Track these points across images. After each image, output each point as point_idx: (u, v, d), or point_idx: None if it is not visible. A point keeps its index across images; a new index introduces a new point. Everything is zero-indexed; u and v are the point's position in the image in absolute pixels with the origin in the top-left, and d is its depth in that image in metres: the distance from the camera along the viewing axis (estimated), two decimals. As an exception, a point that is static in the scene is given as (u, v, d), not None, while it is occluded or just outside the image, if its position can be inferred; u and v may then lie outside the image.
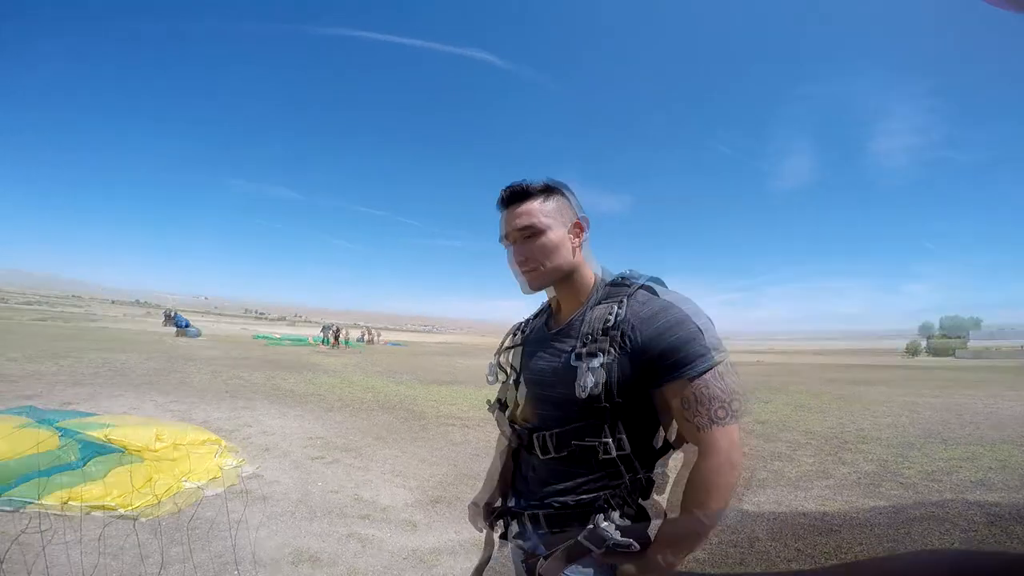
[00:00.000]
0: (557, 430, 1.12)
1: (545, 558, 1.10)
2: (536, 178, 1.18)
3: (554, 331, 1.23)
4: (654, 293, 1.11)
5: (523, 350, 1.32)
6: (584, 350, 1.07)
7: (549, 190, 1.19)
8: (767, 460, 5.38)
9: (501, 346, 1.41)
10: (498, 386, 1.40)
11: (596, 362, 1.04)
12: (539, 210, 1.16)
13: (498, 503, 1.32)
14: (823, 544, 3.16)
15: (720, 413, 0.99)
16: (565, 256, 1.17)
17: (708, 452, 1.00)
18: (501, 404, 1.35)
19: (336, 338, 29.66)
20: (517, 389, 1.29)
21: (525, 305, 1.38)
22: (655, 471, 1.09)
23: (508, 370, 1.36)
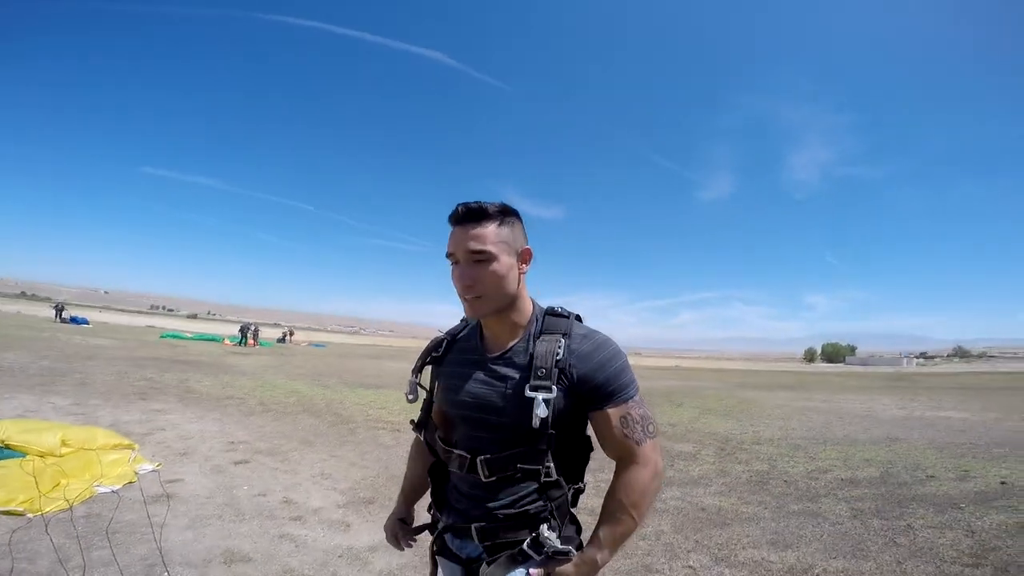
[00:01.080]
0: (502, 454, 1.14)
1: (488, 564, 1.15)
2: (485, 197, 1.16)
3: (493, 356, 1.22)
4: (587, 327, 1.22)
5: (451, 370, 1.30)
6: (540, 383, 1.11)
7: (504, 214, 1.16)
8: (674, 459, 5.89)
9: (422, 362, 1.37)
10: (418, 404, 1.38)
11: (549, 395, 1.09)
12: (494, 235, 1.13)
13: (429, 521, 1.34)
14: (717, 536, 3.56)
15: (650, 429, 1.15)
16: (510, 285, 1.16)
17: (645, 462, 1.13)
18: (424, 423, 1.35)
19: (254, 338, 28.39)
20: (444, 408, 1.29)
21: (458, 309, 1.25)
22: (583, 482, 1.23)
23: (427, 387, 1.36)
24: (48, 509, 3.12)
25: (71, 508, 3.18)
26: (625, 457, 1.14)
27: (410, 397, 1.34)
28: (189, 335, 29.43)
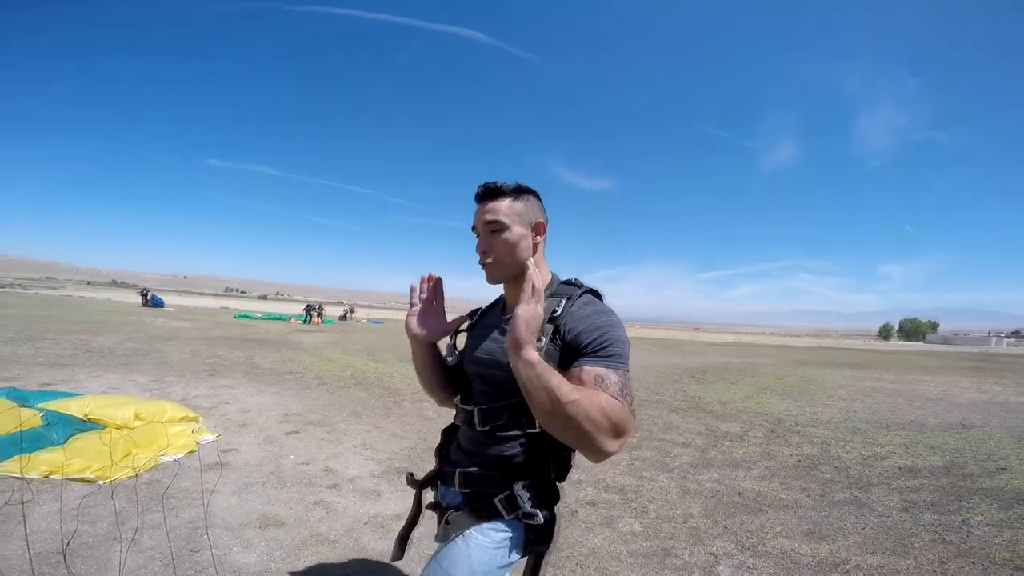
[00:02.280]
0: (495, 404, 1.24)
1: (457, 509, 1.24)
2: (513, 178, 1.29)
3: (506, 317, 1.34)
4: (598, 299, 1.28)
5: (475, 332, 1.42)
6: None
7: (519, 192, 1.29)
8: (719, 440, 5.69)
9: (455, 328, 1.48)
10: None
11: (538, 344, 1.14)
12: (507, 208, 1.26)
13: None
14: (748, 523, 3.39)
15: (627, 396, 1.09)
16: (523, 253, 1.27)
17: (618, 407, 1.05)
18: (458, 381, 1.44)
19: (319, 315, 29.91)
20: (465, 366, 1.41)
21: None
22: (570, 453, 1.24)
23: (455, 349, 1.48)
24: (117, 476, 3.44)
25: (136, 476, 3.50)
26: None
27: (449, 360, 1.46)
28: (259, 315, 31.11)
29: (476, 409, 1.28)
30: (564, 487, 1.27)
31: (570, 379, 1.09)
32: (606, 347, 1.14)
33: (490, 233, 1.27)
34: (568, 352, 1.16)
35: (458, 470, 1.29)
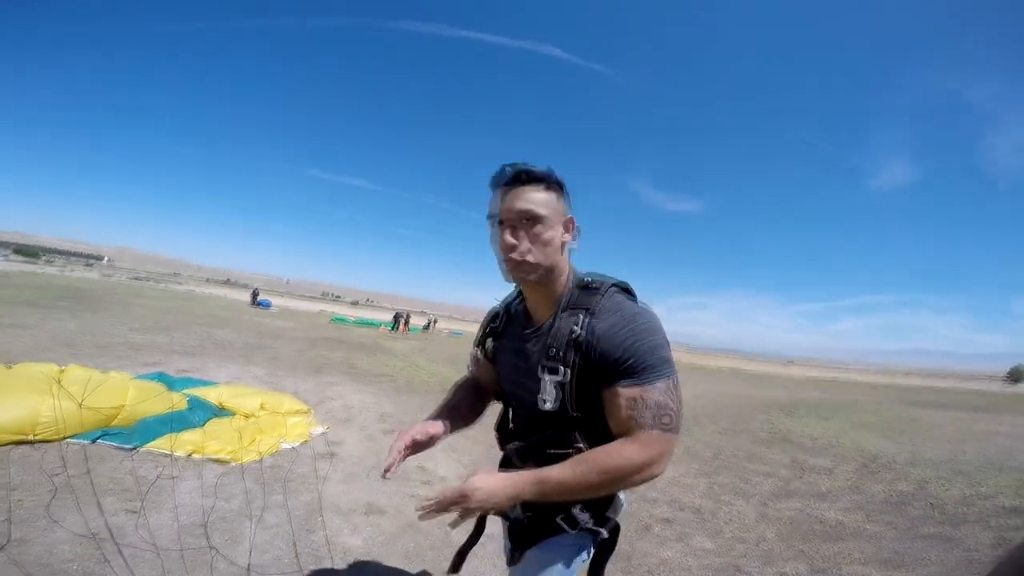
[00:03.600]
0: (531, 439, 1.21)
1: (526, 527, 1.26)
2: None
3: (528, 331, 1.22)
4: (626, 297, 1.13)
5: (504, 344, 1.32)
6: (550, 364, 1.10)
7: (554, 182, 1.12)
8: (805, 472, 5.53)
9: (482, 335, 1.39)
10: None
11: (558, 377, 1.09)
12: (543, 198, 1.10)
13: None
14: (825, 550, 3.40)
15: (666, 420, 1.03)
16: (555, 253, 1.12)
17: (641, 446, 1.02)
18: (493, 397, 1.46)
19: (405, 324, 31.34)
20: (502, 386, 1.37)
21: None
22: None
23: (490, 358, 1.39)
24: (245, 459, 3.91)
25: (261, 460, 3.97)
26: (623, 435, 1.07)
27: (472, 370, 1.46)
28: (352, 320, 33.02)
29: (510, 447, 1.30)
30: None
31: (606, 401, 1.08)
32: (640, 362, 1.03)
33: (523, 223, 1.09)
34: (600, 371, 1.06)
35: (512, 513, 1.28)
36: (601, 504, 1.21)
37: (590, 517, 1.19)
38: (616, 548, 1.25)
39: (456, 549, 1.46)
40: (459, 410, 1.43)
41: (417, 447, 1.31)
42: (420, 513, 1.10)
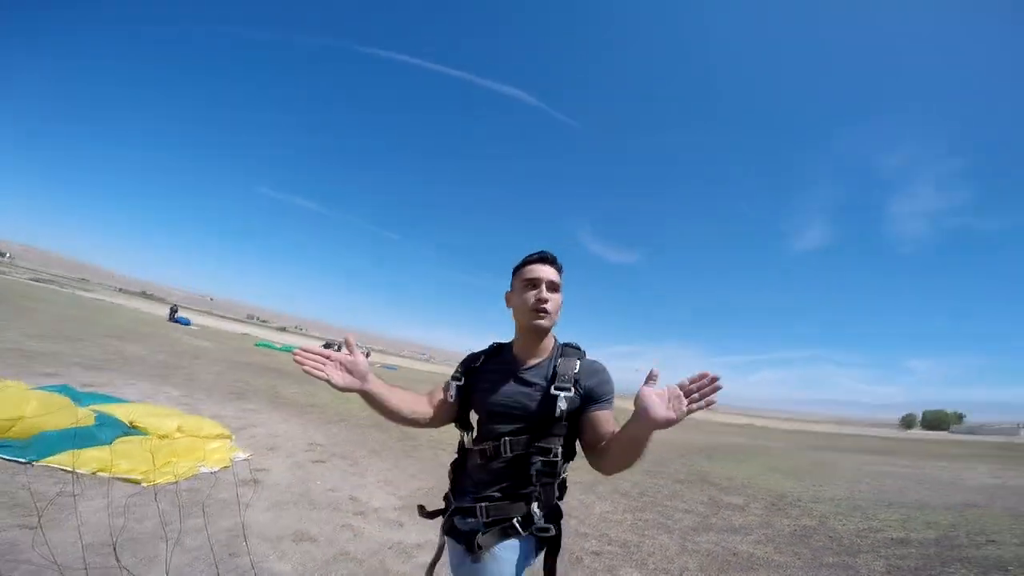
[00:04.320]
0: (522, 437, 1.47)
1: (483, 533, 1.42)
2: (539, 242, 1.63)
3: (522, 367, 1.58)
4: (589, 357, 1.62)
5: (486, 376, 1.63)
6: (562, 386, 1.47)
7: (562, 271, 1.61)
8: (720, 509, 5.91)
9: (463, 369, 1.70)
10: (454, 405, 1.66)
11: (569, 394, 1.46)
12: (558, 277, 1.58)
13: (443, 506, 1.62)
14: None
15: None
16: (558, 316, 1.58)
17: None
18: (463, 421, 1.67)
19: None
20: (477, 408, 1.62)
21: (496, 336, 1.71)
22: (565, 476, 1.52)
23: (461, 394, 1.66)
24: (159, 481, 3.70)
25: (177, 482, 3.77)
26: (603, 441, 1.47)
27: (450, 396, 1.66)
28: (279, 346, 31.61)
29: (505, 440, 1.48)
30: (569, 534, 1.59)
31: (595, 418, 1.47)
32: (608, 396, 1.52)
33: (550, 289, 1.55)
34: (585, 399, 1.48)
35: (479, 504, 1.47)
36: (552, 506, 1.49)
37: (542, 517, 1.44)
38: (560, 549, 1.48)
39: (427, 565, 1.66)
40: (394, 388, 1.61)
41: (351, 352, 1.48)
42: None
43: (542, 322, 1.54)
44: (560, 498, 1.54)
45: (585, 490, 6.10)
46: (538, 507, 1.44)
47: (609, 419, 1.48)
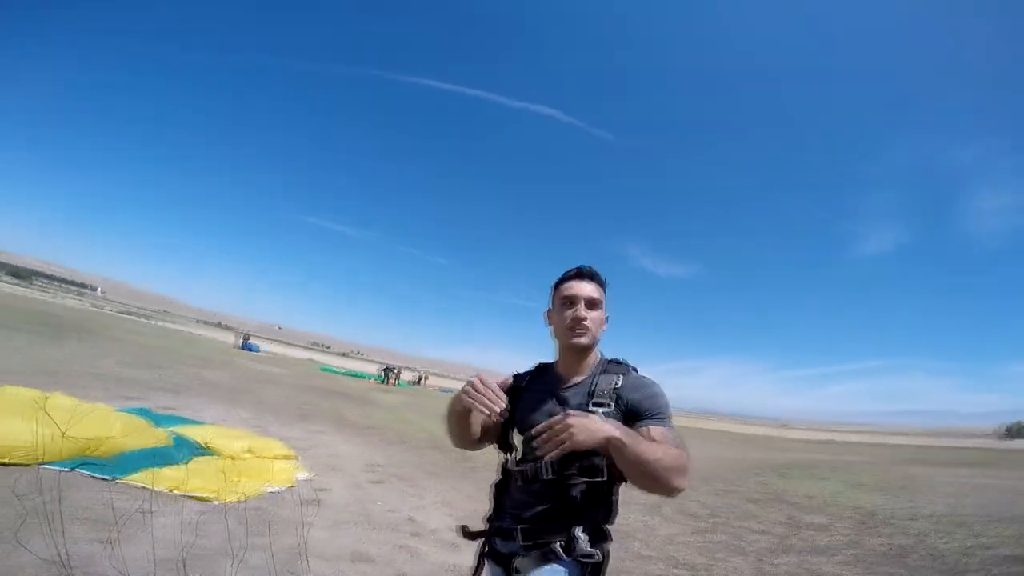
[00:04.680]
0: (560, 460, 1.33)
1: (521, 556, 1.35)
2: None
3: (564, 387, 1.51)
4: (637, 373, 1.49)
5: (529, 396, 1.56)
6: (600, 401, 1.39)
7: (604, 284, 1.55)
8: (800, 528, 5.47)
9: (507, 389, 1.57)
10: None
11: (607, 410, 1.36)
12: (599, 293, 1.51)
13: (485, 528, 1.53)
14: None
15: (681, 444, 1.30)
16: (600, 333, 1.51)
17: (679, 451, 1.26)
18: (505, 442, 1.59)
19: (395, 377, 31.15)
20: (519, 427, 1.53)
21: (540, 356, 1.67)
22: (615, 498, 1.40)
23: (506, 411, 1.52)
24: (228, 499, 3.82)
25: (245, 501, 3.88)
26: None
27: (500, 418, 1.50)
28: (341, 370, 32.86)
29: (544, 463, 1.37)
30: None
31: (641, 434, 1.29)
32: (662, 411, 1.37)
33: (588, 306, 1.48)
34: (629, 415, 1.36)
35: (519, 527, 1.39)
36: (597, 531, 1.36)
37: (587, 541, 1.30)
38: None
39: None
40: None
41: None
42: (544, 438, 1.25)
43: (581, 340, 1.48)
44: (609, 521, 1.42)
45: (648, 511, 5.83)
46: (582, 531, 1.33)
47: (650, 434, 1.31)
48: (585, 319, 1.47)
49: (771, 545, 4.74)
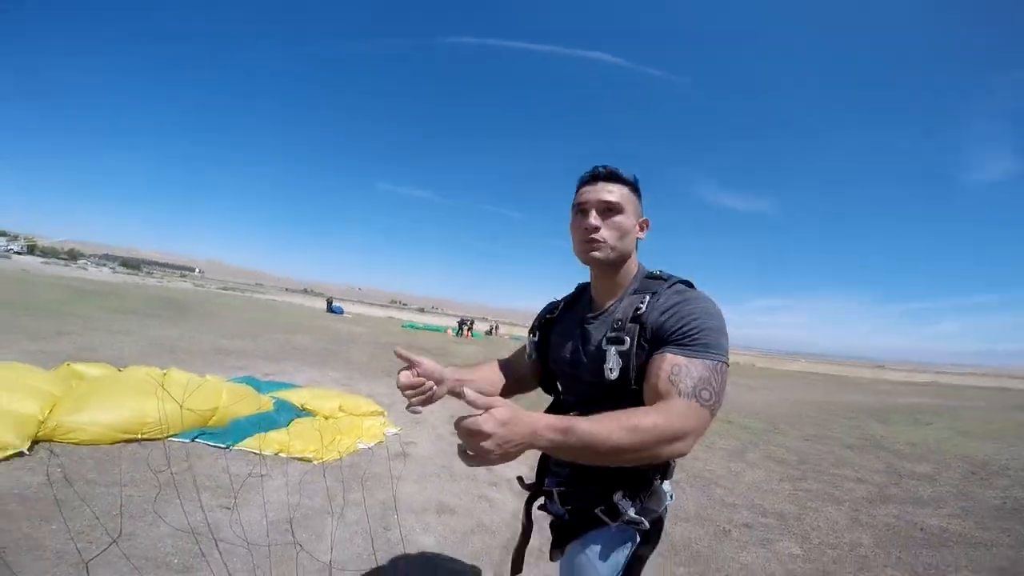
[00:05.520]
0: (587, 409, 1.09)
1: (567, 523, 1.24)
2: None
3: (591, 315, 1.28)
4: (691, 288, 1.19)
5: (559, 329, 1.37)
6: (614, 335, 1.13)
7: (635, 184, 1.25)
8: (902, 478, 5.15)
9: (537, 323, 1.44)
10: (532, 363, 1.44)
11: (623, 347, 1.10)
12: (625, 194, 1.22)
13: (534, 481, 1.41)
14: (928, 556, 3.17)
15: (705, 394, 1.00)
16: (627, 243, 1.22)
17: (677, 414, 0.97)
18: (542, 382, 1.43)
19: (469, 329, 32.00)
20: (551, 365, 1.37)
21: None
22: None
23: (538, 350, 1.41)
24: (327, 458, 4.08)
25: (341, 459, 4.15)
26: (659, 401, 1.02)
27: (529, 356, 1.45)
28: (421, 325, 34.05)
29: (574, 415, 1.12)
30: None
31: (650, 366, 1.07)
32: (692, 335, 1.05)
33: (604, 211, 1.21)
34: (655, 342, 1.09)
35: (555, 490, 1.27)
36: (644, 492, 1.17)
37: (631, 506, 1.15)
38: (660, 544, 1.19)
39: (512, 552, 1.45)
40: (477, 369, 1.48)
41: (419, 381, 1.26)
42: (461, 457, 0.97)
43: (596, 254, 1.21)
44: (666, 476, 1.21)
45: (732, 456, 5.69)
46: (622, 496, 1.16)
47: (666, 365, 1.03)
48: (598, 228, 1.20)
49: (868, 495, 4.51)
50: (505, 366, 1.54)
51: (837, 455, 6.25)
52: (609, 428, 0.93)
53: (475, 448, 0.89)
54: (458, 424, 0.89)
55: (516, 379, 1.51)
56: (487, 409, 0.89)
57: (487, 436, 0.87)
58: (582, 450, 0.94)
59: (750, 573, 2.90)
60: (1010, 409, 14.39)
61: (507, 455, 0.91)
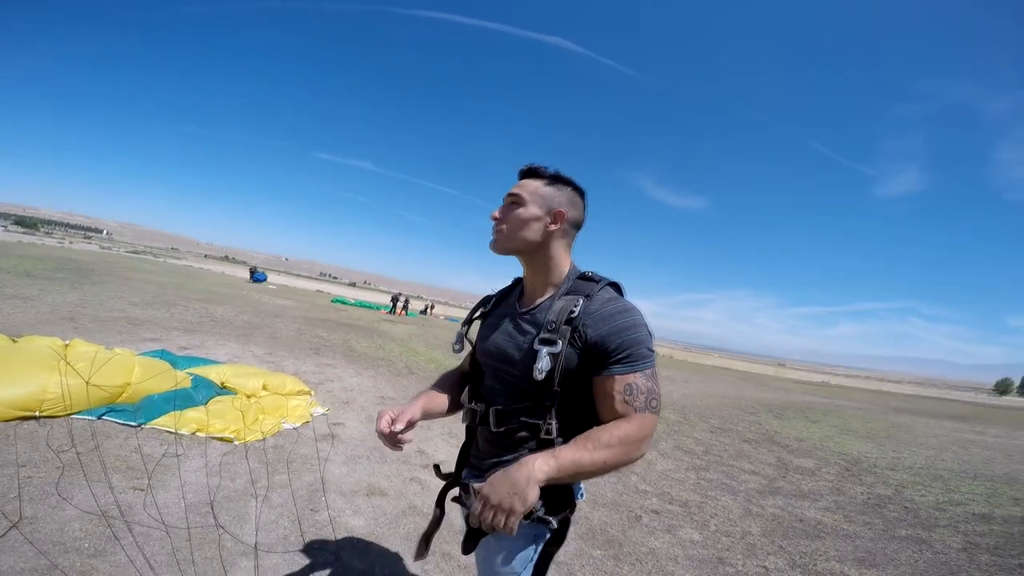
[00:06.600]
0: (508, 406, 1.22)
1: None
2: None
3: (523, 311, 1.31)
4: (617, 293, 1.24)
5: (488, 322, 1.40)
6: (547, 337, 1.17)
7: (555, 179, 1.28)
8: (789, 472, 5.77)
9: (470, 316, 1.48)
10: (463, 356, 1.48)
11: (554, 349, 1.15)
12: (532, 188, 1.27)
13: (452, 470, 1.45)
14: (804, 546, 3.64)
15: (653, 403, 1.13)
16: (530, 233, 1.25)
17: (637, 426, 1.11)
18: (471, 375, 1.43)
19: (403, 307, 31.04)
20: (476, 355, 1.39)
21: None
22: None
23: (469, 342, 1.44)
24: (249, 439, 3.97)
25: (264, 439, 4.04)
26: (615, 419, 1.14)
27: (456, 347, 1.45)
28: (352, 301, 32.62)
29: (492, 410, 1.25)
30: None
31: (597, 389, 1.16)
32: (632, 350, 1.13)
33: (508, 204, 1.28)
34: (593, 356, 1.15)
35: (472, 484, 1.26)
36: (556, 494, 1.21)
37: (542, 505, 1.19)
38: (579, 527, 1.28)
39: (421, 534, 1.50)
40: (433, 399, 1.47)
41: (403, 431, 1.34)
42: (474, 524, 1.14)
43: (491, 244, 1.30)
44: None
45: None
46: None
47: (619, 387, 1.13)
48: (498, 220, 1.29)
49: (760, 487, 5.05)
50: (460, 375, 1.56)
51: (737, 448, 6.91)
52: (587, 448, 1.08)
53: (503, 515, 1.03)
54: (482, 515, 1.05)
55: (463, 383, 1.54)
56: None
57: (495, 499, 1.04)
58: (575, 472, 1.08)
59: (656, 557, 3.19)
60: (886, 411, 16.30)
61: (520, 511, 1.03)
